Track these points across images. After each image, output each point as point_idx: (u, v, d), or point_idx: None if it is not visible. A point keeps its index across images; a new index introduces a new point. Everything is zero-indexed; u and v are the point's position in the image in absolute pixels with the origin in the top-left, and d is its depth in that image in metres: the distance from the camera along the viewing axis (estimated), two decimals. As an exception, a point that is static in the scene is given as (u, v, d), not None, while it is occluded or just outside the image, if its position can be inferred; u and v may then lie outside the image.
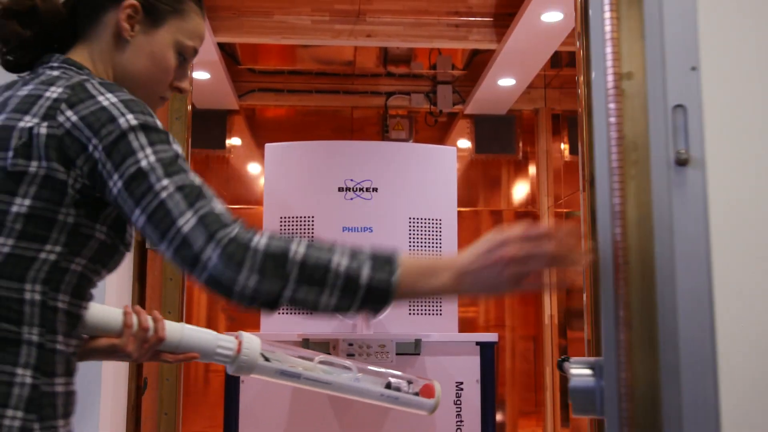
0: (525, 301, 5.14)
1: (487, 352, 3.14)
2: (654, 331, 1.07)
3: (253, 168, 5.16)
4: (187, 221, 1.00)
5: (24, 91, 1.10)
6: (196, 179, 1.05)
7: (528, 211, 5.24)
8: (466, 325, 4.95)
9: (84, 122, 1.04)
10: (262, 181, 4.21)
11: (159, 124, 1.08)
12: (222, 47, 4.49)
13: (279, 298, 1.01)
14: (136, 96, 1.11)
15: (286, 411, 2.97)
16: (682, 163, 1.08)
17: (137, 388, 2.30)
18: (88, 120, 1.04)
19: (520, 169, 5.31)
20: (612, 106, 1.10)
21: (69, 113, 1.05)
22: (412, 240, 3.39)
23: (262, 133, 5.15)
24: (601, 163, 1.11)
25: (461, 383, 3.12)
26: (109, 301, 2.10)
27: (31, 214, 1.03)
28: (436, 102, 5.12)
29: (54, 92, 1.07)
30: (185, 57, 1.26)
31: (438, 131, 5.27)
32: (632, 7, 1.12)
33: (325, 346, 3.05)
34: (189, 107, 2.39)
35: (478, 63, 4.83)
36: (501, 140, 5.25)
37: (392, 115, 5.20)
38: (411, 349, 3.09)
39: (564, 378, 5.02)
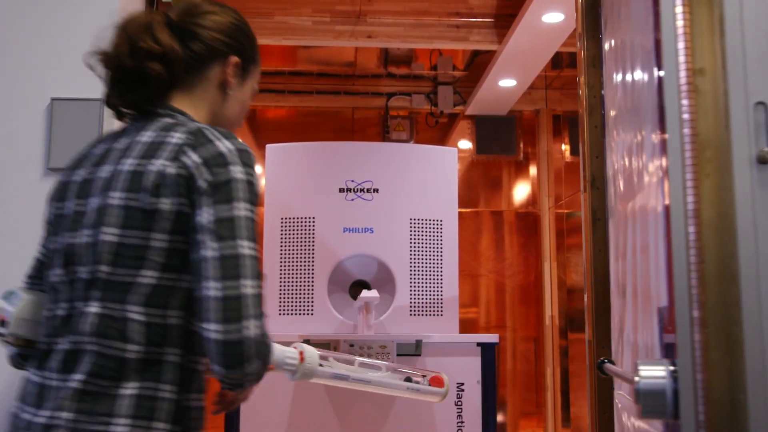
0: (526, 302, 5.14)
1: (488, 353, 3.14)
2: (735, 332, 1.05)
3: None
4: (249, 286, 1.13)
5: (145, 137, 1.23)
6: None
7: (529, 212, 5.24)
8: (466, 326, 4.95)
9: (206, 164, 1.17)
10: (262, 181, 4.21)
11: (256, 181, 1.22)
12: (223, 48, 4.48)
13: (245, 384, 1.19)
14: None
15: (287, 411, 2.97)
16: (764, 161, 1.07)
17: (138, 389, 2.30)
18: (209, 162, 1.17)
19: (520, 169, 5.30)
20: (685, 102, 1.09)
21: (193, 155, 1.18)
22: (412, 241, 3.39)
23: (262, 133, 5.15)
24: (674, 161, 1.09)
25: (462, 384, 3.12)
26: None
27: (170, 248, 1.17)
28: (436, 103, 5.12)
29: (176, 137, 1.20)
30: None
31: (439, 132, 5.27)
32: (702, 3, 1.11)
33: (326, 346, 3.04)
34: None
35: (478, 64, 4.82)
36: (502, 141, 5.25)
37: (393, 115, 5.20)
38: (412, 350, 3.08)
39: (564, 378, 5.02)
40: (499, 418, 4.97)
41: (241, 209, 1.16)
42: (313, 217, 3.33)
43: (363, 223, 3.36)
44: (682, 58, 1.09)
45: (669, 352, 1.24)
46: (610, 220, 2.13)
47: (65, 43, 2.14)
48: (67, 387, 1.15)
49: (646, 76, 1.47)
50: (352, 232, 3.35)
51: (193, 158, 1.17)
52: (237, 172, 1.18)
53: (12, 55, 2.14)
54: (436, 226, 3.45)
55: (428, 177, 3.47)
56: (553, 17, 3.60)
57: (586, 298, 2.28)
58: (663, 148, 1.25)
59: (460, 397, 3.11)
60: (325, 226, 3.31)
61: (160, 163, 1.17)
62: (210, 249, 1.13)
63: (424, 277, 3.39)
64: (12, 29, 2.14)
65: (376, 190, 3.43)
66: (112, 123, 2.12)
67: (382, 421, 3.05)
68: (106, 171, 1.22)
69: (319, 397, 2.99)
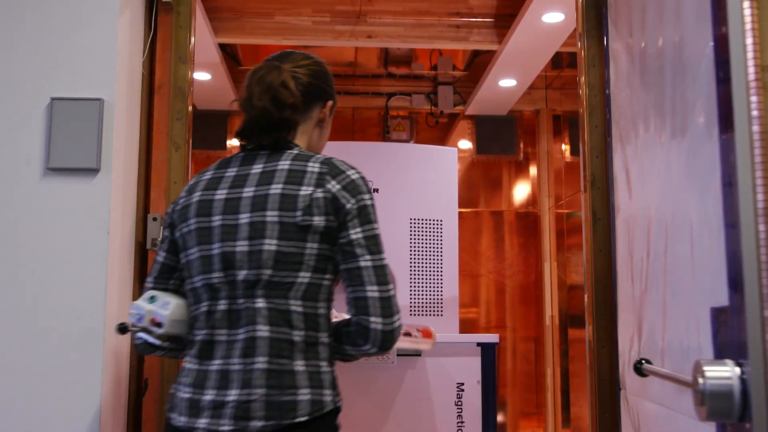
0: (526, 302, 5.14)
1: (488, 353, 3.14)
2: None
3: (254, 169, 5.15)
4: (393, 290, 1.52)
5: (283, 165, 1.56)
6: None
7: (529, 212, 5.23)
8: (466, 326, 4.95)
9: (345, 190, 1.52)
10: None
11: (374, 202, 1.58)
12: (223, 48, 4.49)
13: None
14: None
15: (287, 412, 2.96)
16: None
17: (138, 389, 2.30)
18: (348, 188, 1.53)
19: (520, 169, 5.30)
20: (754, 99, 1.07)
21: (333, 182, 1.52)
22: (412, 241, 3.39)
23: (263, 134, 5.14)
24: (743, 159, 1.08)
25: (462, 384, 3.11)
26: (110, 302, 2.10)
27: (319, 254, 1.50)
28: (436, 103, 5.11)
29: (314, 167, 1.55)
30: None
31: (439, 132, 5.27)
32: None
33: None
34: (190, 108, 2.39)
35: (479, 64, 4.82)
36: (502, 141, 5.24)
37: (393, 116, 5.20)
38: (412, 350, 3.08)
39: (564, 378, 5.00)
40: (499, 418, 4.97)
41: (377, 229, 1.54)
42: (313, 217, 3.32)
43: (363, 223, 3.35)
44: (750, 54, 1.08)
45: (726, 352, 1.21)
46: (619, 218, 2.11)
47: (65, 43, 2.14)
48: (254, 368, 1.44)
49: (693, 74, 1.45)
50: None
51: (334, 185, 1.52)
52: (367, 198, 1.54)
53: (12, 54, 2.13)
54: (436, 226, 3.44)
55: (428, 177, 3.47)
56: (553, 17, 3.60)
57: (586, 298, 2.28)
58: (724, 145, 1.22)
59: (460, 397, 3.10)
60: (325, 226, 3.29)
61: (306, 189, 1.51)
62: (367, 261, 1.50)
63: (424, 277, 3.39)
64: (12, 28, 2.14)
65: (376, 190, 3.43)
66: (111, 123, 2.12)
67: (382, 421, 3.05)
68: (249, 192, 1.54)
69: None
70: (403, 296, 3.33)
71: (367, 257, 1.49)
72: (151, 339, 1.58)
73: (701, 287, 1.38)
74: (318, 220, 1.48)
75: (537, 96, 5.18)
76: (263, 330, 1.46)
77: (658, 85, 1.71)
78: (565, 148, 5.18)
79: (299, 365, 1.46)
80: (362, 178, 1.55)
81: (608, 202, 2.22)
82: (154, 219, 2.31)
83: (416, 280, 3.38)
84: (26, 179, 2.09)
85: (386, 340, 1.49)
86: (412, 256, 3.38)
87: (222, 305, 1.50)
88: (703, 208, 1.37)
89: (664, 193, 1.65)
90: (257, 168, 1.56)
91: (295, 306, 1.47)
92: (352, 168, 1.57)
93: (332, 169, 1.54)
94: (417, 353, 3.07)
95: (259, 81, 1.60)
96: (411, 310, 3.34)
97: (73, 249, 2.07)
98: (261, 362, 1.44)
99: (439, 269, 3.41)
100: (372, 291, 1.48)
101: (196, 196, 1.59)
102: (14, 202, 2.08)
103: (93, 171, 2.10)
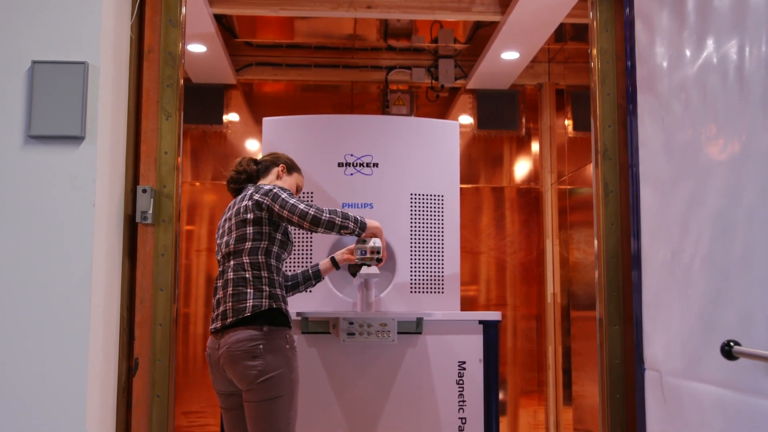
0: (527, 280, 5.06)
1: (490, 330, 3.07)
2: None
3: (251, 144, 5.06)
4: None
5: (239, 204, 2.58)
6: None
7: (530, 188, 5.14)
8: (466, 304, 4.87)
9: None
10: (260, 157, 4.06)
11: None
12: (219, 19, 4.36)
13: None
14: None
15: (284, 392, 2.89)
16: None
17: (128, 369, 2.21)
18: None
19: (522, 145, 5.20)
20: None
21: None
22: (413, 216, 3.31)
23: (260, 108, 5.04)
24: None
25: (464, 362, 3.05)
26: (97, 278, 2.00)
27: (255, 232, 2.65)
28: (437, 76, 5.00)
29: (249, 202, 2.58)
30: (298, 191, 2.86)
31: (439, 107, 5.16)
32: None
33: (325, 324, 2.98)
34: (181, 75, 2.28)
35: (480, 36, 4.71)
36: (504, 116, 5.14)
37: (393, 90, 5.09)
38: (413, 328, 3.01)
39: (566, 357, 4.93)
40: (500, 396, 4.91)
41: None
42: (312, 192, 3.25)
43: (362, 199, 3.28)
44: None
45: None
46: (646, 190, 1.98)
47: (47, 3, 2.02)
48: (228, 294, 2.50)
49: None
50: (351, 208, 3.27)
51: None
52: None
53: (-9, 15, 2.02)
54: (437, 202, 3.36)
55: (429, 151, 3.38)
56: (559, -15, 3.49)
57: (597, 274, 2.19)
58: None
59: (461, 376, 3.04)
60: (323, 202, 3.22)
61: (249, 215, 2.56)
62: None
63: (425, 253, 3.31)
64: (-9, -11, 2.03)
65: (375, 165, 3.34)
66: (97, 88, 2.02)
67: (383, 400, 2.99)
68: (228, 216, 2.56)
69: (321, 382, 2.92)
70: (403, 273, 3.26)
71: None
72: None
73: None
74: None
75: (540, 70, 5.06)
76: (231, 275, 2.46)
77: (738, 36, 1.60)
78: (568, 123, 5.07)
79: (249, 289, 2.44)
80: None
81: (627, 173, 2.12)
82: (144, 191, 2.21)
83: (416, 257, 3.29)
84: (5, 148, 1.98)
85: None
86: (413, 233, 3.30)
87: (221, 267, 2.51)
88: None
89: (747, 160, 1.53)
90: (232, 203, 2.61)
91: (245, 259, 2.48)
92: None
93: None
94: (418, 332, 3.00)
95: (235, 163, 2.71)
96: (411, 287, 3.26)
97: (57, 222, 1.97)
98: (230, 291, 2.43)
99: (440, 245, 3.33)
100: None
101: (221, 222, 2.67)
102: (-5, 173, 1.98)
103: (77, 139, 1.99)
